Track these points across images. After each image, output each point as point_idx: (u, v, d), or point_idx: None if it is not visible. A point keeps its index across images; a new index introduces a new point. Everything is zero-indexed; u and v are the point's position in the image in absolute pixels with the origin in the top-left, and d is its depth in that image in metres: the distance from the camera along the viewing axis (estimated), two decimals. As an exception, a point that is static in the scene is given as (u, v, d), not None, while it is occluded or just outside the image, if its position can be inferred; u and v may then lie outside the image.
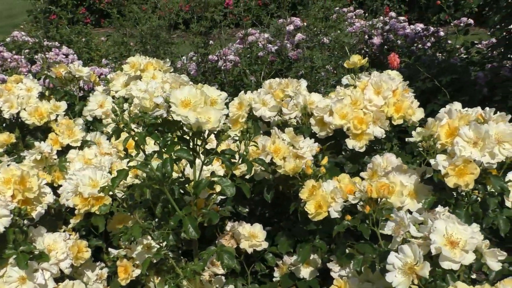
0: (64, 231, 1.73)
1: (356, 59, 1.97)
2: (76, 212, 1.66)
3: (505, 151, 1.29)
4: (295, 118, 1.97)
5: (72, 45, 4.60)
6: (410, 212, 1.21)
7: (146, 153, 1.41)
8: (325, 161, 1.67)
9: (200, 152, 1.39)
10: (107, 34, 4.79)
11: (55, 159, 1.92)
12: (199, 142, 1.38)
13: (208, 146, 1.40)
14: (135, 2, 3.66)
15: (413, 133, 1.50)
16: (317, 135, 1.81)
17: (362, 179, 1.57)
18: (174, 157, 1.36)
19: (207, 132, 1.35)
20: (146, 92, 1.63)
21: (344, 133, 1.76)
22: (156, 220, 1.55)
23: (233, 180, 1.53)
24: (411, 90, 1.84)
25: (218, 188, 1.48)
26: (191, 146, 1.38)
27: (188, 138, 1.38)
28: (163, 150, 1.37)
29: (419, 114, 1.78)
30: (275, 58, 3.70)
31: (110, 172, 1.77)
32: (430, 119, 1.45)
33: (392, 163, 1.59)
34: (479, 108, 1.41)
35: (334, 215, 1.52)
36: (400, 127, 1.87)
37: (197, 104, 1.31)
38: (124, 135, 1.38)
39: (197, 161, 1.41)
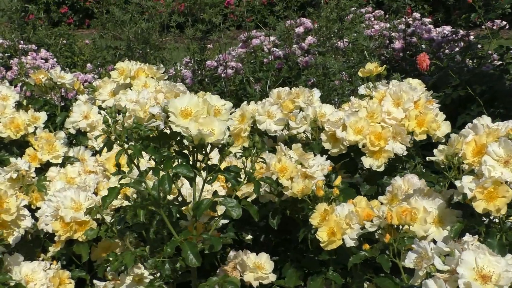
0: (42, 260, 1.75)
1: (371, 67, 2.00)
2: (56, 238, 1.68)
3: (543, 171, 1.28)
4: (304, 132, 1.99)
5: (52, 49, 4.64)
6: (435, 242, 1.21)
7: (140, 169, 1.44)
8: (338, 181, 1.68)
9: (202, 169, 1.41)
10: (92, 37, 4.85)
11: (33, 177, 1.94)
12: (200, 157, 1.41)
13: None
14: (116, 3, 3.70)
15: (435, 151, 1.50)
16: (329, 152, 1.83)
17: (381, 203, 1.59)
18: (172, 174, 1.38)
19: (209, 146, 1.38)
20: (137, 102, 1.67)
21: (359, 150, 1.78)
22: (148, 246, 1.56)
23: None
24: (436, 101, 1.86)
25: (220, 211, 1.50)
26: (191, 162, 1.41)
27: (187, 152, 1.41)
28: (160, 166, 1.39)
29: (445, 128, 1.80)
30: (282, 64, 3.73)
31: (95, 193, 1.81)
32: (453, 135, 1.45)
33: (414, 185, 1.60)
34: (510, 122, 1.39)
35: (350, 243, 1.53)
36: (424, 143, 1.88)
37: (199, 114, 1.34)
38: (115, 150, 1.41)
39: (197, 179, 1.44)
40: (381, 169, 1.77)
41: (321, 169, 1.71)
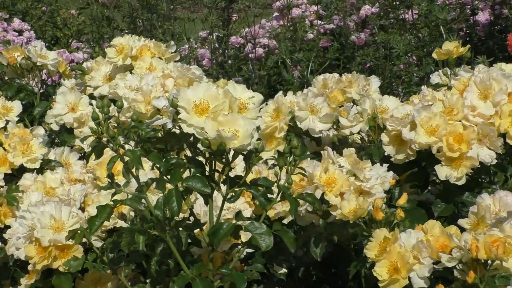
0: (12, 295, 1.76)
1: (451, 47, 1.99)
2: (30, 267, 1.67)
3: None
4: (359, 133, 1.99)
5: (29, 18, 4.69)
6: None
7: (140, 181, 1.43)
8: (403, 200, 1.66)
9: (221, 181, 1.41)
10: (80, 6, 4.88)
11: (1, 187, 1.95)
12: (219, 167, 1.40)
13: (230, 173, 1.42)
14: None
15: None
16: (392, 159, 1.82)
17: (462, 229, 1.56)
18: (182, 188, 1.37)
19: (232, 152, 1.36)
20: (139, 91, 1.66)
21: (432, 156, 1.77)
22: (149, 281, 1.56)
23: (267, 224, 1.54)
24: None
25: (244, 237, 1.49)
26: (207, 173, 1.39)
27: (203, 160, 1.40)
28: (166, 178, 1.38)
29: (549, 129, 1.77)
30: (330, 42, 3.72)
31: (82, 209, 1.80)
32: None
33: (508, 205, 1.56)
34: None
35: (419, 283, 1.50)
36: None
37: (218, 110, 1.32)
38: (108, 153, 1.40)
39: (215, 194, 1.43)
40: (462, 182, 1.75)
41: (381, 182, 1.69)
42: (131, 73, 2.10)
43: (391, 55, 3.20)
